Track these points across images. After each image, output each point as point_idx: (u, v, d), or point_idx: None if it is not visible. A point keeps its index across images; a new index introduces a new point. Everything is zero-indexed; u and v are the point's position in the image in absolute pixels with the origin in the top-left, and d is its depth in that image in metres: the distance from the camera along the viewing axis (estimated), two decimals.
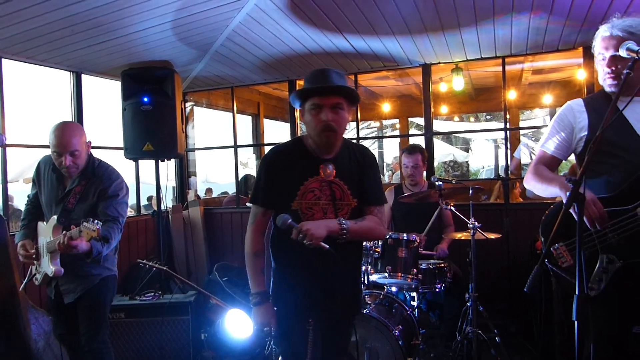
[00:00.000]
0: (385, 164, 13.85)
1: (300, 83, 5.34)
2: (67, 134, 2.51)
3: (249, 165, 9.05)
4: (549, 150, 2.05)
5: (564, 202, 1.81)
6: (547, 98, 7.62)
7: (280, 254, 2.03)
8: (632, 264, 1.77)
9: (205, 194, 8.92)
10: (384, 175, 12.38)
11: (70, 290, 2.60)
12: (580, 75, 6.05)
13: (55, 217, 2.51)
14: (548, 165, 2.05)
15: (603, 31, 1.88)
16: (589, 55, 3.93)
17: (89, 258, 2.43)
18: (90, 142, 2.66)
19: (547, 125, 2.15)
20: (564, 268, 1.85)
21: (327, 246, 1.75)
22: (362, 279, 3.00)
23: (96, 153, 2.79)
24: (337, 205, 1.90)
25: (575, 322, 1.42)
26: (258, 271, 1.98)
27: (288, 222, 1.76)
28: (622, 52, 1.67)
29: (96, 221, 2.21)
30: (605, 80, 1.91)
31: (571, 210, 1.70)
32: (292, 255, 1.95)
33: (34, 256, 2.57)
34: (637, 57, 1.59)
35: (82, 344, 2.60)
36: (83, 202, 2.57)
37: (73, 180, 2.59)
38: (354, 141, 2.09)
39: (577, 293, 1.43)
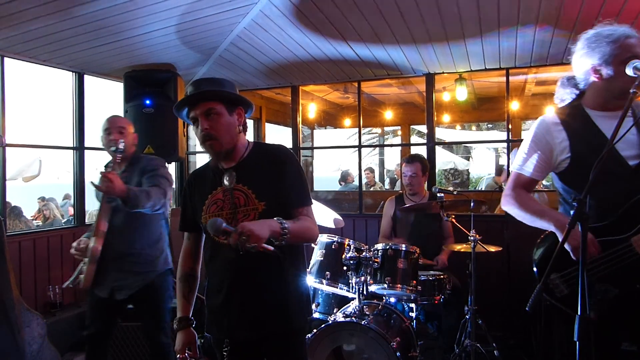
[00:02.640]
0: (386, 170, 13.82)
1: (303, 89, 5.33)
2: (117, 118, 2.85)
3: None
4: (527, 173, 1.94)
5: (560, 239, 1.74)
6: (551, 110, 7.60)
7: (210, 274, 1.94)
8: (628, 292, 1.75)
9: None
10: (384, 181, 12.35)
11: (125, 287, 2.68)
12: None
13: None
14: (527, 188, 1.97)
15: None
16: None
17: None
18: (136, 135, 2.87)
19: None
20: (559, 298, 1.83)
21: (272, 248, 1.58)
22: (361, 289, 2.97)
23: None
24: (241, 212, 1.77)
25: (577, 342, 1.40)
26: (181, 296, 1.98)
27: (223, 226, 1.55)
28: (629, 71, 1.64)
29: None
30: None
31: (566, 246, 1.70)
32: (216, 275, 1.87)
33: (84, 251, 2.61)
34: None
35: (149, 336, 2.83)
36: (128, 184, 2.61)
37: (121, 170, 2.74)
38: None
39: (579, 314, 1.41)
